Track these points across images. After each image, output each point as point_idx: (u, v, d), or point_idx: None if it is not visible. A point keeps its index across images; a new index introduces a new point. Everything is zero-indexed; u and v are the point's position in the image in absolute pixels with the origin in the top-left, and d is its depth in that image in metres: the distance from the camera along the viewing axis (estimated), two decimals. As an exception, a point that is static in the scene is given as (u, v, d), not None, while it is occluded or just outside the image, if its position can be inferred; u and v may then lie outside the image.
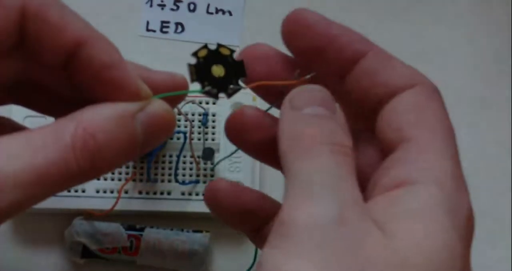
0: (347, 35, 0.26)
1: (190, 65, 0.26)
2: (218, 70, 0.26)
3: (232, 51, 0.26)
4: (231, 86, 0.26)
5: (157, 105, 0.26)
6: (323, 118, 0.24)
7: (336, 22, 0.26)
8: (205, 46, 0.26)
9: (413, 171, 0.23)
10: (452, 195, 0.23)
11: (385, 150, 0.25)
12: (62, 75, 0.26)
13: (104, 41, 0.25)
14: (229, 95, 0.26)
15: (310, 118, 0.24)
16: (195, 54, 0.26)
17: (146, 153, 0.26)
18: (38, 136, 0.23)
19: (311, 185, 0.22)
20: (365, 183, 0.25)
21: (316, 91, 0.25)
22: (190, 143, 0.38)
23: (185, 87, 0.28)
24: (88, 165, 0.23)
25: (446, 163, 0.23)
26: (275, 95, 0.27)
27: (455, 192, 0.23)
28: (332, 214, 0.21)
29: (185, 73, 0.28)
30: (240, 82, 0.26)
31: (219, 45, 0.26)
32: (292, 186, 0.23)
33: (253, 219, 0.29)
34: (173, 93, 0.27)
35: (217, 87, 0.26)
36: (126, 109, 0.25)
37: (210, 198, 0.29)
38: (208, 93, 0.26)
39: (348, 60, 0.25)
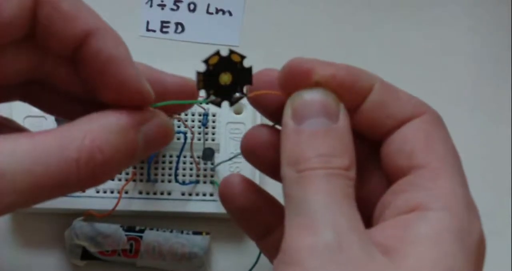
0: (352, 74, 0.26)
1: (198, 73, 0.26)
2: (225, 78, 0.26)
3: (243, 57, 0.26)
4: (236, 95, 0.26)
5: (161, 119, 0.26)
6: (322, 136, 0.24)
7: (335, 63, 0.26)
8: (217, 53, 0.26)
9: (426, 197, 0.24)
10: (463, 222, 0.23)
11: (392, 176, 0.25)
12: (70, 69, 0.27)
13: (113, 35, 0.26)
14: (232, 103, 0.26)
15: (309, 138, 0.24)
16: (206, 61, 0.26)
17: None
18: (43, 143, 0.23)
19: (307, 212, 0.23)
20: (370, 207, 0.26)
21: (317, 96, 0.25)
22: (191, 148, 0.37)
23: (195, 93, 0.28)
24: (89, 177, 0.24)
25: (457, 190, 0.24)
26: (275, 112, 0.27)
27: (466, 219, 0.23)
28: (328, 241, 0.22)
29: (186, 72, 0.28)
30: (245, 90, 0.26)
31: (231, 52, 0.26)
32: (289, 212, 0.23)
33: (260, 220, 0.29)
34: (176, 102, 0.27)
35: (221, 95, 0.26)
36: (132, 121, 0.25)
37: (222, 190, 0.30)
38: (211, 103, 0.26)
39: (357, 98, 0.26)
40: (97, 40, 0.25)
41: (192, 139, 0.38)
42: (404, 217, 0.24)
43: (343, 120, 0.25)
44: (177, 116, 0.37)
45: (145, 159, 0.26)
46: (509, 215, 0.41)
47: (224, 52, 0.26)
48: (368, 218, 0.26)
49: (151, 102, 0.26)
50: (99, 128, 0.24)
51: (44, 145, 0.23)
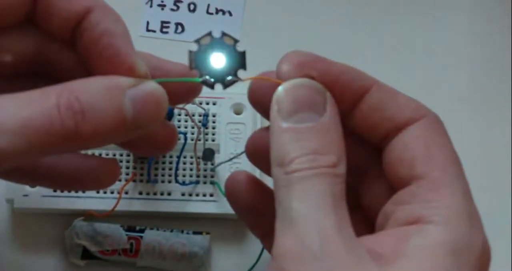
0: (348, 73, 0.25)
1: (190, 52, 0.26)
2: (218, 60, 0.26)
3: (236, 41, 0.26)
4: (229, 77, 0.26)
5: (150, 85, 0.25)
6: (307, 133, 0.24)
7: (333, 60, 0.26)
8: (209, 34, 0.26)
9: (426, 209, 0.23)
10: (463, 235, 0.23)
11: (394, 184, 0.25)
12: (71, 54, 0.27)
13: (112, 12, 0.26)
14: (225, 86, 0.26)
15: (294, 136, 0.24)
16: (197, 41, 0.26)
17: (138, 136, 0.26)
18: (26, 94, 0.24)
19: (293, 218, 0.22)
20: (373, 214, 0.26)
21: (302, 89, 0.25)
22: (195, 148, 0.37)
23: (199, 85, 0.27)
24: (72, 125, 0.23)
25: (458, 202, 0.24)
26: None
27: (466, 231, 0.23)
28: (314, 248, 0.22)
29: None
30: (238, 75, 0.26)
31: (224, 34, 0.26)
32: (278, 217, 0.23)
33: (264, 217, 0.29)
34: (170, 80, 0.27)
35: (214, 77, 0.26)
36: (116, 82, 0.25)
37: (228, 186, 0.30)
38: (204, 83, 0.26)
39: (352, 97, 0.25)
40: (94, 16, 0.26)
41: (198, 136, 0.37)
42: (402, 229, 0.23)
43: (330, 111, 0.24)
44: (183, 108, 0.37)
45: (143, 133, 0.25)
46: (509, 215, 0.41)
47: (217, 34, 0.26)
48: (373, 224, 0.26)
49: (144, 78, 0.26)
50: (80, 83, 0.24)
51: (28, 94, 0.24)
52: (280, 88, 0.25)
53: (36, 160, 0.26)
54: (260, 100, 0.27)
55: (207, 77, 0.26)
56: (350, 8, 0.44)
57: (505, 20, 0.44)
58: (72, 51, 0.27)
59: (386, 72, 0.42)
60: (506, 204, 0.41)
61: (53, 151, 0.24)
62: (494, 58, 0.44)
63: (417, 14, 0.44)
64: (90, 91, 0.24)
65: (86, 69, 0.27)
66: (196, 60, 0.26)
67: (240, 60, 0.26)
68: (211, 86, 0.26)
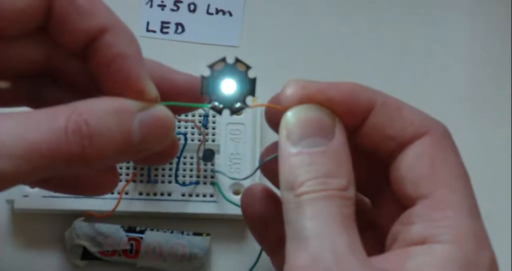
0: (351, 93, 0.25)
1: (202, 77, 0.26)
2: (229, 85, 0.26)
3: (248, 67, 0.26)
4: (238, 104, 0.26)
5: (159, 109, 0.26)
6: (317, 157, 0.24)
7: (333, 82, 0.25)
8: (223, 59, 0.26)
9: (432, 229, 0.23)
10: (469, 253, 0.23)
11: (404, 202, 0.25)
12: (80, 64, 0.27)
13: (127, 32, 0.26)
14: (233, 112, 0.26)
15: (304, 160, 0.24)
16: (211, 66, 0.26)
17: (143, 157, 0.26)
18: (34, 115, 0.24)
19: (306, 238, 0.23)
20: (384, 233, 0.26)
21: (310, 114, 0.25)
22: (198, 150, 0.37)
23: None
24: (79, 150, 0.23)
25: (464, 220, 0.23)
26: None
27: (473, 250, 0.23)
28: (328, 265, 0.22)
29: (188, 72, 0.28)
30: (247, 102, 0.26)
31: (237, 60, 0.26)
32: (289, 237, 0.23)
33: (275, 230, 0.29)
34: (179, 104, 0.27)
35: (223, 103, 0.26)
36: (126, 105, 0.25)
37: (244, 197, 0.30)
38: (213, 109, 0.26)
39: (358, 116, 0.25)
40: (109, 36, 0.25)
41: (203, 141, 0.37)
42: (409, 249, 0.23)
43: (339, 136, 0.24)
44: (191, 119, 0.37)
45: (147, 155, 0.25)
46: (509, 215, 0.41)
47: (230, 60, 0.26)
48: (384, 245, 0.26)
49: (153, 102, 0.26)
50: (90, 105, 0.24)
51: (37, 115, 0.24)
52: (288, 113, 0.25)
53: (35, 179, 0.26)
54: (277, 122, 0.27)
55: (216, 103, 0.26)
56: (350, 8, 0.44)
57: (505, 20, 0.44)
58: (80, 60, 0.27)
59: (386, 72, 0.43)
60: (506, 204, 0.41)
61: (55, 172, 0.24)
62: (494, 58, 0.44)
63: (417, 14, 0.44)
64: (99, 115, 0.24)
65: (92, 76, 0.26)
66: (208, 85, 0.26)
67: (249, 87, 0.26)
68: (219, 112, 0.26)
